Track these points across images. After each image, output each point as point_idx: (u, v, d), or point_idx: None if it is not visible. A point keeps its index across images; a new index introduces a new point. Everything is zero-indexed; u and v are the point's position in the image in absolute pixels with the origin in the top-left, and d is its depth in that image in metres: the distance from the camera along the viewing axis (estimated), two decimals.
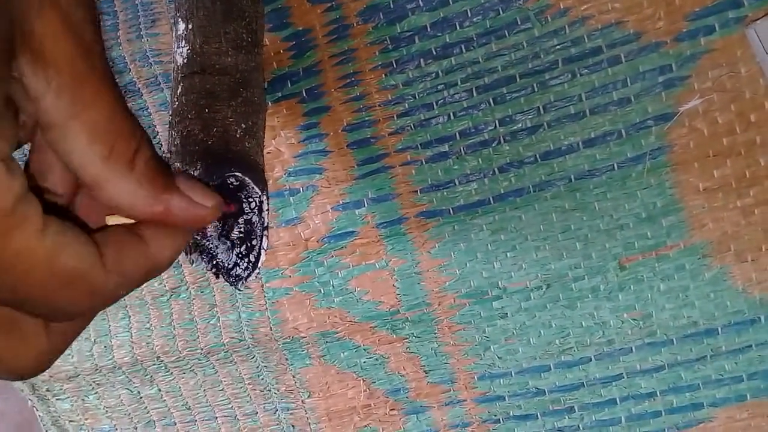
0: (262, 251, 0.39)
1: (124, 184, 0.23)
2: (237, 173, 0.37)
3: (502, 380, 0.53)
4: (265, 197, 0.38)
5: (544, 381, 0.52)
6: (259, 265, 0.39)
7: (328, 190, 0.51)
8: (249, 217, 0.39)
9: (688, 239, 0.48)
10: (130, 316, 0.56)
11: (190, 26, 0.40)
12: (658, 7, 0.45)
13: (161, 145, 0.52)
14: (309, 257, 0.53)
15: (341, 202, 0.51)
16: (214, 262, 0.39)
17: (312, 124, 0.50)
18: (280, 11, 0.49)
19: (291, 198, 0.52)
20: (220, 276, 0.40)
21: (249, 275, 0.39)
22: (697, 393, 0.50)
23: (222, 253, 0.39)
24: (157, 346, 0.56)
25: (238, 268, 0.39)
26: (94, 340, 0.57)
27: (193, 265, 0.39)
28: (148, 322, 0.56)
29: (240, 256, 0.39)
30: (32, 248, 0.21)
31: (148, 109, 0.52)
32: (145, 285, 0.53)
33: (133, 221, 0.25)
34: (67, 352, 0.56)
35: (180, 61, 0.40)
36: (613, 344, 0.51)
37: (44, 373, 0.57)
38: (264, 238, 0.39)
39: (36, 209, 0.21)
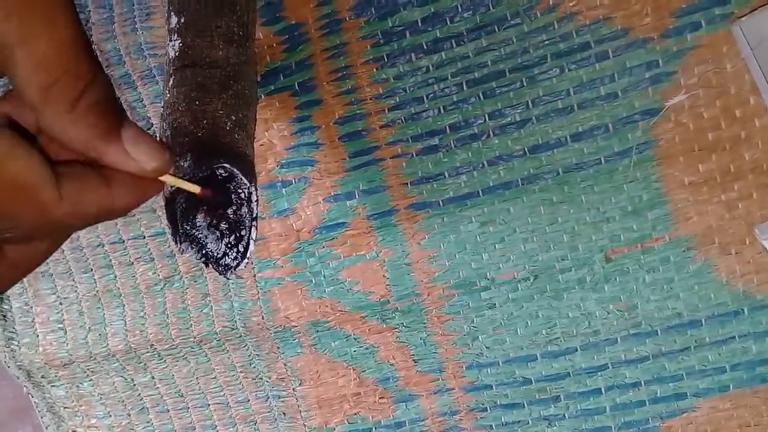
0: (251, 242, 0.40)
1: (59, 120, 0.24)
2: (225, 164, 0.37)
3: (489, 369, 0.53)
4: (254, 188, 0.39)
5: (531, 370, 0.53)
6: (248, 255, 0.40)
7: (320, 181, 0.52)
8: (238, 208, 0.39)
9: (673, 232, 0.49)
10: (124, 305, 0.57)
11: (182, 20, 0.41)
12: (646, 3, 0.46)
13: (155, 135, 0.52)
14: (301, 248, 0.53)
15: (333, 194, 0.52)
16: (204, 252, 0.40)
17: (304, 116, 0.51)
18: (274, 5, 0.49)
19: (283, 189, 0.53)
20: (210, 265, 0.40)
21: (238, 265, 0.40)
22: (680, 383, 0.51)
23: (211, 242, 0.40)
24: (150, 334, 0.57)
25: (227, 257, 0.40)
26: (89, 327, 0.57)
27: (183, 254, 0.39)
28: (142, 311, 0.56)
29: (229, 246, 0.40)
30: None
31: (142, 101, 0.52)
32: (139, 274, 0.54)
33: None
34: (61, 339, 0.57)
35: (172, 54, 0.41)
36: (599, 335, 0.51)
37: (39, 360, 0.58)
38: (253, 229, 0.40)
39: None
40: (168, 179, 0.29)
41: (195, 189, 0.33)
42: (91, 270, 0.57)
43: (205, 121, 0.39)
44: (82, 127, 0.24)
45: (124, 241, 0.56)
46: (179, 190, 0.38)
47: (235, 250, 0.40)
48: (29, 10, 0.22)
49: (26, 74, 0.23)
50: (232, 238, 0.40)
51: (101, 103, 0.24)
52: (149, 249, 0.55)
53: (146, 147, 0.26)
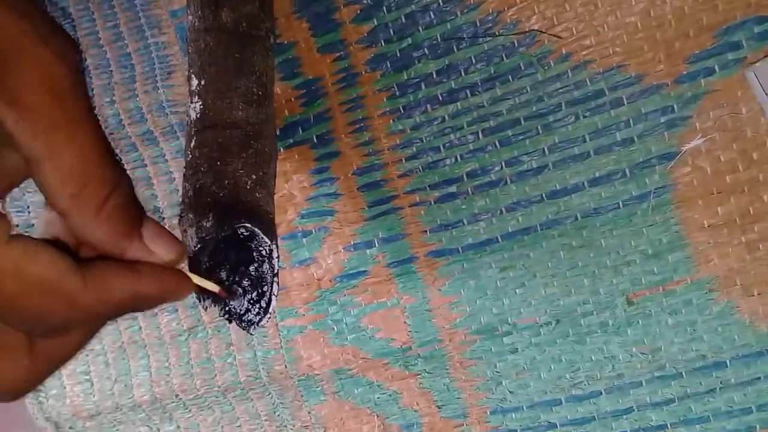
0: (273, 297, 0.40)
1: (87, 224, 0.25)
2: (246, 224, 0.38)
3: (514, 414, 0.53)
4: (274, 245, 0.40)
5: (556, 415, 0.53)
6: (271, 310, 0.40)
7: (340, 231, 0.53)
8: (259, 265, 0.40)
9: (694, 274, 0.49)
10: (149, 356, 0.57)
11: (202, 82, 0.42)
12: (659, 50, 0.46)
13: (178, 190, 0.53)
14: (322, 296, 0.54)
15: (352, 243, 0.53)
16: (227, 308, 0.41)
17: (323, 168, 0.52)
18: (291, 61, 0.50)
19: (304, 239, 0.53)
20: (233, 321, 0.41)
21: (260, 320, 0.41)
22: (707, 425, 0.51)
23: (234, 299, 0.40)
24: (175, 384, 0.57)
25: (249, 313, 0.41)
26: (115, 379, 0.58)
27: (206, 310, 0.40)
28: (167, 361, 0.57)
29: (251, 301, 0.40)
30: None
31: (165, 156, 0.53)
32: (163, 324, 0.55)
33: None
34: (88, 390, 0.58)
35: (193, 116, 0.42)
36: (623, 378, 0.51)
37: (67, 412, 0.58)
38: (275, 284, 0.40)
39: (2, 225, 0.24)
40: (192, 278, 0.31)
41: (214, 288, 0.35)
42: (117, 321, 0.57)
43: (226, 181, 0.40)
44: (107, 229, 0.26)
45: None
46: (202, 249, 0.39)
47: (257, 305, 0.41)
48: (54, 128, 0.23)
49: (55, 185, 0.24)
50: (255, 294, 0.41)
51: (125, 205, 0.26)
52: None
53: (163, 241, 0.28)
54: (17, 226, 0.57)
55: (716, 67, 0.46)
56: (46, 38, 0.24)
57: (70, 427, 0.60)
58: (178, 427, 0.59)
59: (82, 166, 0.24)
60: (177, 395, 0.58)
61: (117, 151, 0.54)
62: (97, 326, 0.29)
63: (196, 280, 0.32)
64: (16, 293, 0.24)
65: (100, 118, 0.52)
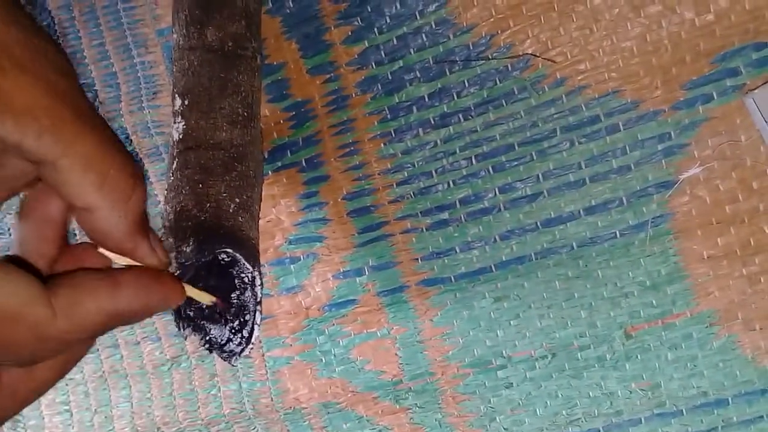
0: (256, 326, 0.39)
1: (114, 214, 0.24)
2: (228, 249, 0.37)
3: None
4: (257, 272, 0.38)
5: None
6: (253, 340, 0.39)
7: (329, 258, 0.51)
8: (242, 292, 0.38)
9: (694, 308, 0.47)
10: (130, 386, 0.55)
11: (186, 102, 0.41)
12: (656, 76, 0.45)
13: (161, 214, 0.52)
14: (310, 326, 0.52)
15: (342, 270, 0.51)
16: (207, 338, 0.39)
17: (312, 192, 0.50)
18: (280, 83, 0.49)
19: (292, 266, 0.52)
20: (214, 351, 0.39)
21: (243, 351, 0.39)
22: None
23: (215, 328, 0.39)
24: (157, 416, 0.55)
25: (231, 343, 0.39)
26: (95, 410, 0.56)
27: (186, 340, 0.38)
28: (149, 392, 0.55)
29: (233, 331, 0.39)
30: None
31: (149, 178, 0.52)
32: (145, 353, 0.53)
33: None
34: (67, 421, 0.56)
35: (176, 136, 0.41)
36: (622, 415, 0.49)
37: None
38: (257, 313, 0.39)
39: None
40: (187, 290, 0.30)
41: (208, 300, 0.33)
42: (98, 350, 0.56)
43: (208, 204, 0.39)
44: (130, 220, 0.25)
45: None
46: (181, 275, 0.38)
47: (239, 335, 0.39)
48: (58, 126, 0.23)
49: (76, 180, 0.23)
50: (236, 323, 0.39)
51: (145, 200, 0.26)
52: (156, 328, 0.54)
53: (161, 245, 0.28)
54: None
55: (714, 94, 0.45)
56: (34, 40, 0.23)
57: None
58: None
59: (99, 155, 0.23)
60: (159, 428, 0.55)
61: None
62: (75, 356, 0.27)
63: (188, 290, 0.30)
64: None
65: None
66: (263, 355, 0.53)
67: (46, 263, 0.26)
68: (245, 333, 0.39)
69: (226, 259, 0.37)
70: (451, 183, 0.49)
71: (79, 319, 0.24)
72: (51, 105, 0.23)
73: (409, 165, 0.49)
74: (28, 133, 0.22)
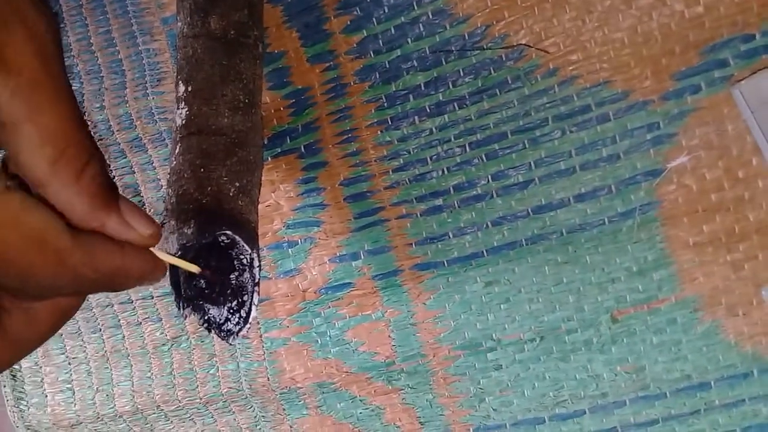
0: (253, 307, 0.40)
1: (66, 191, 0.25)
2: (228, 232, 0.38)
3: None
4: (255, 254, 0.39)
5: None
6: (250, 320, 0.40)
7: (326, 242, 0.52)
8: (240, 274, 0.40)
9: (679, 293, 0.49)
10: (131, 365, 0.57)
11: (189, 88, 0.42)
12: (645, 66, 0.46)
13: (164, 198, 0.53)
14: (306, 308, 0.54)
15: (338, 254, 0.52)
16: (206, 317, 0.40)
17: (310, 178, 0.52)
18: (281, 70, 0.51)
19: (289, 250, 0.53)
20: (212, 331, 0.41)
21: (240, 330, 0.40)
22: None
23: (213, 308, 0.40)
24: (157, 395, 0.57)
25: (229, 323, 0.40)
26: (97, 388, 0.58)
27: (186, 319, 0.40)
28: (149, 371, 0.57)
29: (231, 311, 0.40)
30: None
31: (153, 163, 0.53)
32: (146, 333, 0.54)
33: None
34: (69, 399, 0.57)
35: (179, 122, 0.42)
36: (607, 397, 0.51)
37: (48, 420, 0.58)
38: (255, 294, 0.40)
39: (1, 175, 0.23)
40: (169, 259, 0.31)
41: (194, 269, 0.35)
42: (100, 330, 0.57)
43: (209, 188, 0.40)
44: (86, 197, 0.25)
45: (132, 301, 0.56)
46: (182, 256, 0.39)
47: (237, 315, 0.40)
48: (34, 87, 0.23)
49: (33, 149, 0.24)
50: (235, 303, 0.40)
51: (102, 174, 0.26)
52: (157, 309, 0.56)
53: (140, 216, 0.27)
54: None
55: (702, 85, 0.46)
56: (36, 4, 0.24)
57: None
58: None
59: (61, 129, 0.24)
60: (158, 406, 0.57)
61: (105, 157, 0.54)
62: (72, 304, 0.29)
63: (174, 261, 0.32)
64: (10, 245, 0.23)
65: (89, 123, 0.52)
66: (261, 336, 0.55)
67: None
68: (243, 313, 0.40)
69: (225, 241, 0.39)
70: (445, 170, 0.50)
71: (93, 259, 0.26)
72: (36, 66, 0.23)
73: (404, 152, 0.50)
74: (9, 86, 0.22)
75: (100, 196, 0.26)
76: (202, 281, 0.40)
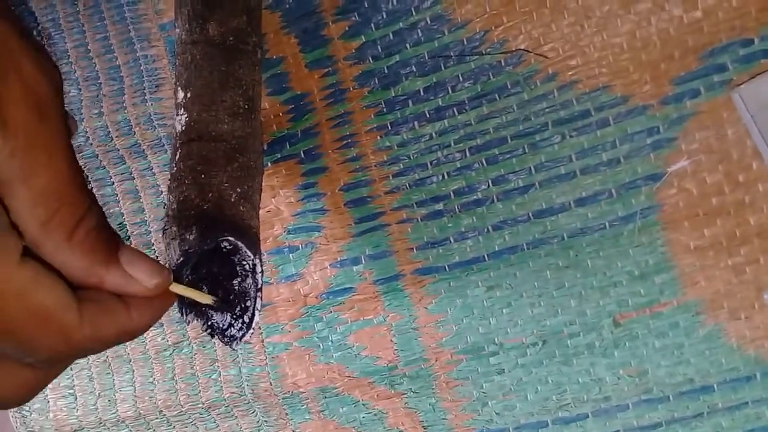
0: (256, 312, 0.40)
1: (59, 251, 0.24)
2: (230, 238, 0.38)
3: None
4: (258, 260, 0.39)
5: None
6: (253, 325, 0.40)
7: (327, 247, 0.52)
8: (243, 279, 0.40)
9: (681, 297, 0.48)
10: (133, 371, 0.57)
11: (188, 95, 0.42)
12: (644, 71, 0.46)
13: (165, 204, 0.53)
14: (308, 313, 0.54)
15: (339, 259, 0.53)
16: (209, 323, 0.40)
17: (310, 183, 0.52)
18: (280, 76, 0.51)
19: (290, 255, 0.53)
20: (215, 336, 0.41)
21: (243, 336, 0.40)
22: None
23: (216, 314, 0.40)
24: (159, 400, 0.57)
25: (232, 328, 0.40)
26: (98, 393, 0.58)
27: (189, 325, 0.40)
28: (151, 377, 0.57)
29: (234, 316, 0.40)
30: (8, 277, 0.22)
31: (152, 169, 0.53)
32: (148, 339, 0.55)
33: None
34: (71, 404, 0.57)
35: (179, 128, 0.42)
36: (610, 401, 0.51)
37: (50, 426, 0.58)
38: (258, 300, 0.40)
39: (16, 244, 0.23)
40: (182, 291, 0.30)
41: (208, 300, 0.35)
42: None
43: (210, 194, 0.40)
44: (81, 254, 0.25)
45: None
46: (184, 262, 0.39)
47: (240, 320, 0.40)
48: (30, 149, 0.23)
49: (25, 210, 0.23)
50: (237, 309, 0.40)
51: (97, 229, 0.25)
52: None
53: (144, 265, 0.27)
54: None
55: (702, 89, 0.46)
56: (36, 56, 0.23)
57: None
58: None
59: (54, 189, 0.23)
60: (161, 411, 0.57)
61: (104, 163, 0.54)
62: (68, 364, 0.28)
63: (184, 291, 0.32)
64: (12, 317, 0.23)
65: (88, 130, 0.52)
66: (263, 341, 0.55)
67: None
68: (246, 318, 0.40)
69: (228, 247, 0.39)
70: (445, 175, 0.50)
71: (99, 331, 0.25)
72: (32, 125, 0.22)
73: (404, 157, 0.50)
74: (7, 147, 0.22)
75: (96, 252, 0.25)
76: (204, 287, 0.40)
